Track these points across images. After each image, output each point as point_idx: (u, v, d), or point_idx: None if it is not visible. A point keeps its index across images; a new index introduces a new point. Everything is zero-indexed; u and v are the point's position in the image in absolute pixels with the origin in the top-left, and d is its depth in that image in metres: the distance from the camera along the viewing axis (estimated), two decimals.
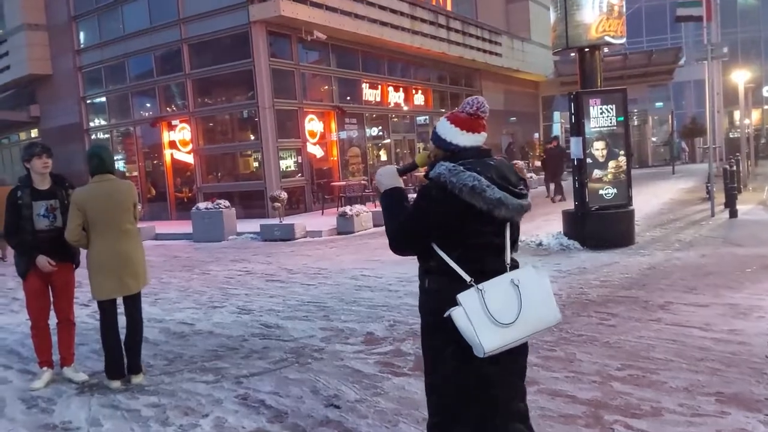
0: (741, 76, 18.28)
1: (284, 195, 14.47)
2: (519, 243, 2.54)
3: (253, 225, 14.60)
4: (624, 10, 9.79)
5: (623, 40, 9.84)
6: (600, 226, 9.64)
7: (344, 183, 18.49)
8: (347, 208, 13.73)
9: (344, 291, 7.66)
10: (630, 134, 11.14)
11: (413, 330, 5.70)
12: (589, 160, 9.69)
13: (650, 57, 32.46)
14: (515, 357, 2.45)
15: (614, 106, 9.63)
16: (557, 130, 37.94)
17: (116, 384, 4.73)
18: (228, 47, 17.98)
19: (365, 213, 13.84)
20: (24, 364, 5.47)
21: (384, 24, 20.21)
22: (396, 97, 22.91)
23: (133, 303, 4.85)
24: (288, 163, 18.58)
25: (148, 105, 20.59)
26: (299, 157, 18.76)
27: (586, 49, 9.78)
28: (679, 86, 40.82)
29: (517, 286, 2.31)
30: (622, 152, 9.79)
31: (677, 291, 6.54)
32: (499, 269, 2.39)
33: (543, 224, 12.23)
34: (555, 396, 3.99)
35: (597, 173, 9.74)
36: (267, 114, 17.32)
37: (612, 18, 9.59)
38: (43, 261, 4.70)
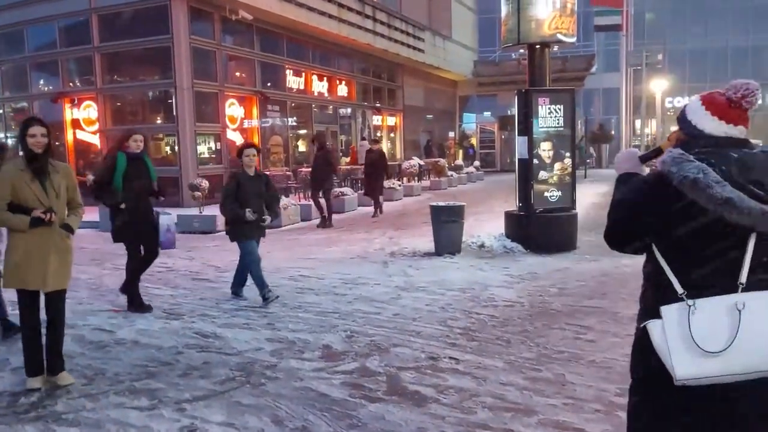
0: (659, 86, 18.79)
1: (205, 183, 13.42)
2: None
3: None
4: (576, 8, 9.56)
5: (574, 39, 9.61)
6: (545, 229, 9.36)
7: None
8: None
9: (285, 294, 6.89)
10: (575, 136, 10.88)
11: (375, 343, 5.09)
12: (534, 161, 9.40)
13: (565, 63, 33.22)
14: (731, 407, 1.90)
15: (562, 106, 9.39)
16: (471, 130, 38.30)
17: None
18: (144, 21, 16.52)
19: (293, 206, 13.03)
20: None
21: (311, 9, 19.35)
22: (320, 87, 22.08)
23: None
24: (205, 150, 17.40)
25: (49, 79, 18.71)
26: (218, 144, 17.60)
27: (537, 46, 9.48)
28: (589, 93, 42.16)
29: (740, 310, 1.83)
30: (567, 154, 9.58)
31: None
32: (726, 288, 1.88)
33: (476, 224, 11.87)
34: (562, 429, 3.50)
35: (542, 175, 9.46)
36: (185, 95, 16.08)
37: (565, 15, 9.33)
38: None
